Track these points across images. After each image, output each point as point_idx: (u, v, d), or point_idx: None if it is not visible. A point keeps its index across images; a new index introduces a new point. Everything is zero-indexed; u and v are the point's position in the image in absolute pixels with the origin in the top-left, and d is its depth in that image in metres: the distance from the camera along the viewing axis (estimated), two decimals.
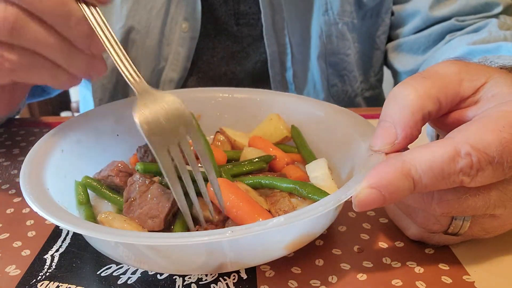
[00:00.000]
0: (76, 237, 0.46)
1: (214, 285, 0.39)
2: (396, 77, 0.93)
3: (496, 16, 0.79)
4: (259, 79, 0.87)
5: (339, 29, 0.84)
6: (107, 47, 0.42)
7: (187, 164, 0.42)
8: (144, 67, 0.84)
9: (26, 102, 0.92)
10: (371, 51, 0.91)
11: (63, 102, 1.29)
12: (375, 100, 0.98)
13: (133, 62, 0.87)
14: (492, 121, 0.35)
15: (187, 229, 0.43)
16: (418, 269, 0.41)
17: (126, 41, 0.82)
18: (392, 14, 0.88)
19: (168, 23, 0.81)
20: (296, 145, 0.57)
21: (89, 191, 0.49)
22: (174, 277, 0.40)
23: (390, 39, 0.92)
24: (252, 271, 0.41)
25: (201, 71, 0.86)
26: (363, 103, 0.95)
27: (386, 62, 0.95)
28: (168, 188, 0.44)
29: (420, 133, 0.39)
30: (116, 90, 0.88)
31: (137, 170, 0.46)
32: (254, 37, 0.84)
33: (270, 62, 0.83)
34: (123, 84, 0.87)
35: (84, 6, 0.41)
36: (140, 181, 0.46)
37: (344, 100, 0.92)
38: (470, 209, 0.37)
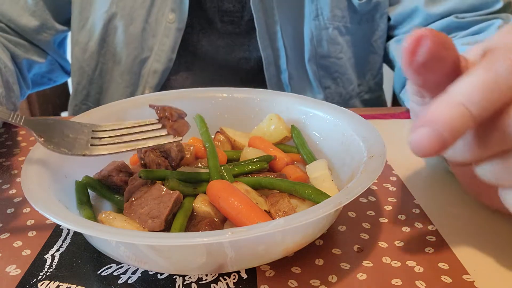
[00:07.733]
0: (77, 236, 0.46)
1: (214, 284, 0.39)
2: (395, 69, 0.93)
3: (498, 12, 0.78)
4: (252, 77, 0.88)
5: (329, 34, 0.84)
6: None
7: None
8: (126, 54, 0.84)
9: (33, 90, 0.93)
10: (368, 55, 0.91)
11: (63, 102, 1.29)
12: (375, 102, 0.98)
13: (115, 48, 0.85)
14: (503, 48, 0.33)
15: (186, 228, 0.43)
16: (418, 269, 0.41)
17: (108, 27, 0.83)
18: (389, 19, 0.88)
19: (154, 13, 0.82)
20: (296, 145, 0.57)
21: (89, 191, 0.49)
22: (174, 277, 0.40)
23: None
24: (252, 270, 0.41)
25: (188, 62, 0.87)
26: (360, 105, 0.96)
27: (386, 59, 0.94)
28: (170, 189, 0.44)
29: None
30: (94, 74, 0.88)
31: (140, 177, 0.46)
32: (238, 34, 0.85)
33: (266, 66, 0.84)
34: (106, 69, 0.88)
35: None
36: (142, 181, 0.46)
37: (339, 102, 0.92)
38: None
